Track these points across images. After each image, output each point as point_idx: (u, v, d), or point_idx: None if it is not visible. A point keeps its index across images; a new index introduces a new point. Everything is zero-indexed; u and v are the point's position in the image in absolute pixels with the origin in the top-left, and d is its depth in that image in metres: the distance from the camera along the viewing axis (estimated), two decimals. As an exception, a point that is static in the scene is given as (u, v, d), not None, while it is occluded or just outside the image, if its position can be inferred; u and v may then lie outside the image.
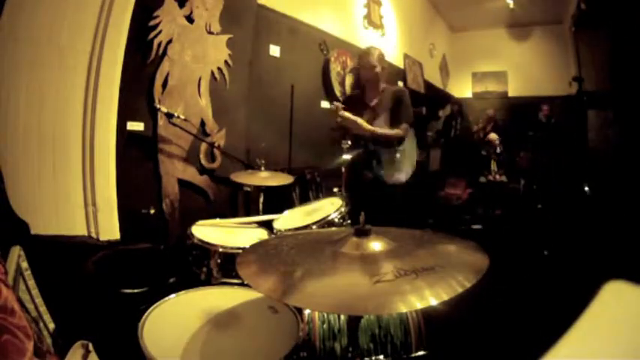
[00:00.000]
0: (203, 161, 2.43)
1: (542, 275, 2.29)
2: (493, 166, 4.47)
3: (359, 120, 2.27)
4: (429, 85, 6.10)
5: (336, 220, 1.66)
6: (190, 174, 2.36)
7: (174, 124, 2.13)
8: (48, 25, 1.68)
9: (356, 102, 2.44)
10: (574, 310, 0.52)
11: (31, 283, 1.22)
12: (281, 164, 2.80)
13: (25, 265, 1.22)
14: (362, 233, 0.94)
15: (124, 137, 2.00)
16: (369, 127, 2.29)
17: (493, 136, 4.19)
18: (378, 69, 2.37)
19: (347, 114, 2.25)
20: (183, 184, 2.32)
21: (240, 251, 1.56)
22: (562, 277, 2.16)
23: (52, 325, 1.24)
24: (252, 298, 1.26)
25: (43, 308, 1.23)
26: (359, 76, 2.51)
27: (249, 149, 2.71)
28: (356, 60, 2.55)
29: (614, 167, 2.87)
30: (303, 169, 2.93)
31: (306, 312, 1.32)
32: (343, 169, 2.23)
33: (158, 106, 2.08)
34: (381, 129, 2.34)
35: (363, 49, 2.50)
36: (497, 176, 4.40)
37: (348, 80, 3.88)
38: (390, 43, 5.01)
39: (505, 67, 7.17)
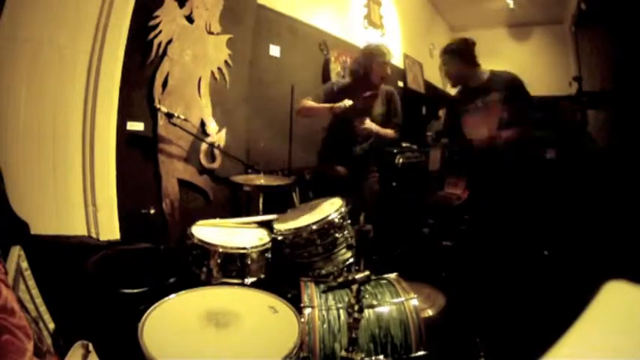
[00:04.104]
0: (203, 161, 2.43)
1: (542, 275, 2.28)
2: None
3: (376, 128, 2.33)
4: (429, 85, 6.09)
5: (336, 220, 1.66)
6: (190, 174, 2.36)
7: (174, 124, 2.13)
8: (48, 25, 1.68)
9: (349, 93, 2.39)
10: (574, 310, 0.52)
11: (31, 283, 1.22)
12: (281, 164, 2.79)
13: (25, 265, 1.22)
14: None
15: (124, 137, 2.00)
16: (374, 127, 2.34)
17: None
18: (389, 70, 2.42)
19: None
20: (183, 184, 2.32)
21: (240, 251, 1.57)
22: (562, 277, 2.15)
23: (52, 325, 1.24)
24: (252, 298, 1.26)
25: (43, 308, 1.23)
26: (364, 69, 2.45)
27: (249, 149, 2.71)
28: (363, 53, 2.49)
29: (614, 167, 2.87)
30: (303, 170, 2.93)
31: (306, 312, 1.32)
32: None
33: (158, 106, 2.08)
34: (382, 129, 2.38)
35: (374, 45, 2.48)
36: None
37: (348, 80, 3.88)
38: (390, 43, 5.00)
39: (505, 67, 7.15)
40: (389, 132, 2.42)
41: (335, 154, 2.50)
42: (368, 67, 2.40)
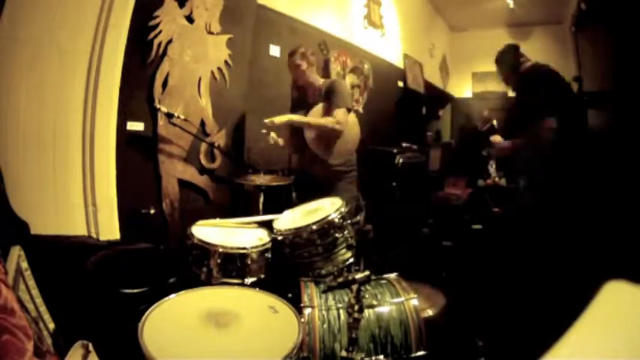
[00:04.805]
0: (203, 161, 2.43)
1: (542, 275, 2.29)
2: (492, 168, 4.44)
3: (289, 117, 2.19)
4: (429, 85, 6.10)
5: (336, 220, 1.66)
6: (190, 174, 2.36)
7: (174, 124, 2.13)
8: (48, 25, 1.68)
9: (300, 100, 2.40)
10: (574, 310, 0.52)
11: (31, 283, 1.22)
12: (281, 164, 2.79)
13: (25, 265, 1.22)
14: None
15: (124, 137, 2.00)
16: (301, 119, 2.21)
17: (496, 138, 4.16)
18: (304, 66, 2.29)
19: (279, 119, 2.14)
20: (183, 184, 2.32)
21: (240, 251, 1.57)
22: (562, 277, 2.16)
23: (52, 325, 1.24)
24: (252, 298, 1.26)
25: (43, 308, 1.23)
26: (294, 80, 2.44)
27: (250, 149, 2.71)
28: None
29: (614, 167, 2.87)
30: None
31: (306, 312, 1.32)
32: None
33: (158, 106, 2.08)
34: (314, 118, 2.22)
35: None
36: (497, 179, 4.36)
37: (348, 80, 3.88)
38: (390, 44, 5.01)
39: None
40: (320, 120, 2.18)
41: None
42: (291, 71, 2.37)
